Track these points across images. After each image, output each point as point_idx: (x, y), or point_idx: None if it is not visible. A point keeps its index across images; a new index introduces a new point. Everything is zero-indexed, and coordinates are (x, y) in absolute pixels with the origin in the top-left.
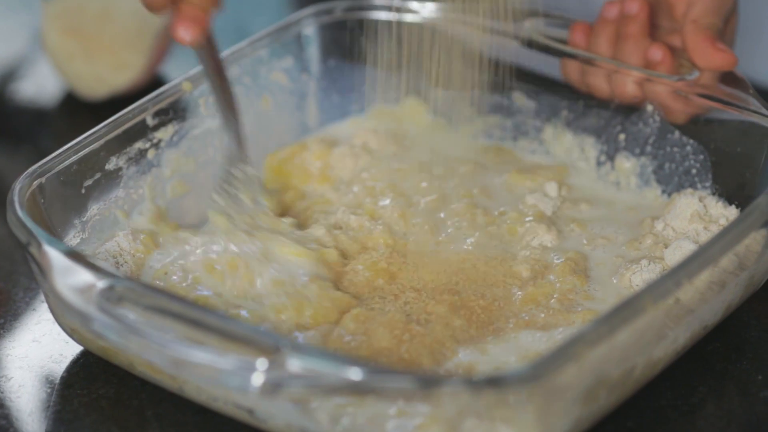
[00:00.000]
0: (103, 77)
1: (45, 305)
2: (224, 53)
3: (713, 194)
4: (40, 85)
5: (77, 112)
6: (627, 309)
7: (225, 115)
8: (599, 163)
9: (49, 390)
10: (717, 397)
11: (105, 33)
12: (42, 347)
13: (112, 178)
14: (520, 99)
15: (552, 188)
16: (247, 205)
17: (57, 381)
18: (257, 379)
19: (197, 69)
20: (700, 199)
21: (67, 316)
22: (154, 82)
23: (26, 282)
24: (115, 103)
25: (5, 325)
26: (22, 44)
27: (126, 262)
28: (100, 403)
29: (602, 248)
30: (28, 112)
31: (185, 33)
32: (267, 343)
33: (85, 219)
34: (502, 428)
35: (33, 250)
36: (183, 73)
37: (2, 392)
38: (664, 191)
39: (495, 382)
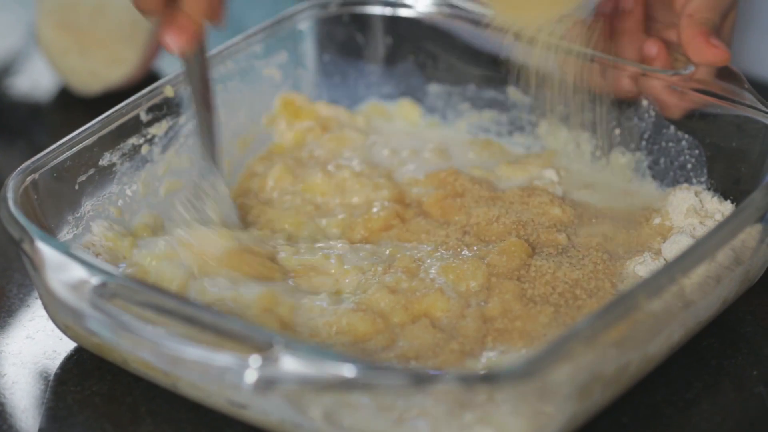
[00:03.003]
0: (97, 72)
1: (39, 302)
2: (219, 48)
3: (708, 189)
4: (34, 81)
5: (72, 107)
6: (621, 305)
7: (202, 129)
8: (594, 158)
9: (42, 386)
10: (712, 392)
11: (99, 28)
12: (36, 344)
13: (106, 173)
14: (515, 94)
15: (551, 174)
16: (213, 222)
17: (51, 377)
18: (250, 376)
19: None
20: (696, 194)
21: (60, 313)
22: (148, 77)
23: (20, 278)
24: (110, 98)
25: None
26: (17, 39)
27: (100, 254)
28: (93, 399)
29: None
30: (23, 107)
31: (173, 42)
32: (260, 339)
33: (78, 215)
34: (496, 424)
35: (26, 246)
36: (178, 68)
37: None
38: (659, 186)
39: (488, 378)
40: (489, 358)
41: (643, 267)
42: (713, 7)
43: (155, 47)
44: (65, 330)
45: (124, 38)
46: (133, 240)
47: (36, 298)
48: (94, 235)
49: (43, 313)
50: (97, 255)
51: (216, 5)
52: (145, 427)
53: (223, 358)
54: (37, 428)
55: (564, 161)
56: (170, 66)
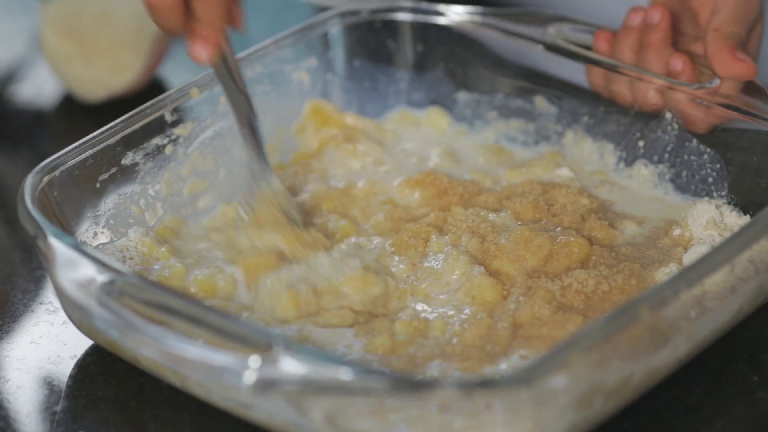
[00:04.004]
0: (101, 79)
1: (43, 307)
2: (248, 51)
3: (728, 203)
4: (38, 88)
5: (76, 114)
6: (622, 316)
7: (244, 131)
8: (618, 170)
9: (47, 391)
10: (713, 398)
11: (103, 35)
12: (40, 349)
13: (129, 173)
14: (542, 103)
15: (566, 171)
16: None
17: (55, 382)
18: (250, 376)
19: (205, 73)
20: (717, 207)
21: (71, 310)
22: (152, 84)
23: (24, 284)
24: (114, 105)
25: (3, 327)
26: (21, 47)
27: (132, 257)
28: (98, 404)
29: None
30: (27, 114)
31: (200, 54)
32: (260, 340)
33: (99, 213)
34: (493, 431)
35: (40, 243)
36: (182, 74)
37: (0, 394)
38: (681, 200)
39: (486, 384)
40: (510, 365)
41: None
42: (739, 20)
43: (159, 54)
44: (80, 327)
45: (127, 45)
46: (170, 248)
47: (40, 303)
48: (131, 240)
49: (47, 318)
50: (130, 258)
51: (234, 10)
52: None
53: (223, 358)
54: None
55: (572, 162)
56: (174, 73)
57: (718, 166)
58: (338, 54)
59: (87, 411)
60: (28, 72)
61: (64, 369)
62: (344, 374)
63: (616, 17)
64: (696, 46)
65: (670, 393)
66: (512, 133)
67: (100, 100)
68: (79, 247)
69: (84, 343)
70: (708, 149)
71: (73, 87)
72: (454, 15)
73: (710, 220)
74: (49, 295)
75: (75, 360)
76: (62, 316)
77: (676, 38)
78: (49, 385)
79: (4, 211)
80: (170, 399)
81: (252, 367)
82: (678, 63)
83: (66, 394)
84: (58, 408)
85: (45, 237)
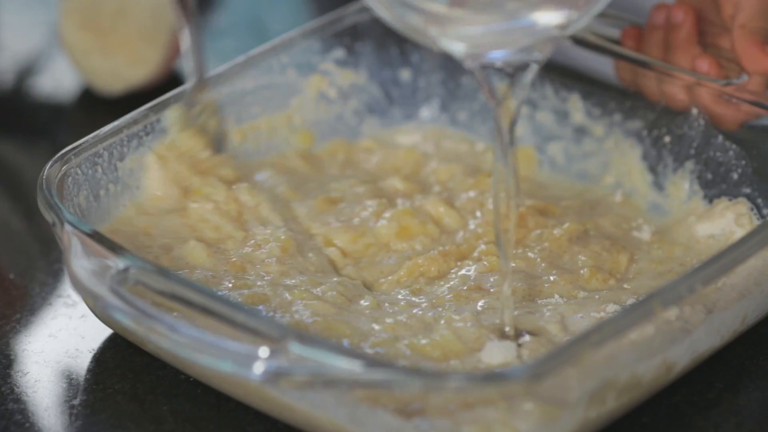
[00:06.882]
0: (119, 72)
1: (61, 300)
2: (274, 42)
3: (753, 201)
4: (57, 81)
5: (94, 107)
6: (635, 312)
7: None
8: (643, 161)
9: (65, 385)
10: (733, 393)
11: (121, 28)
12: (58, 342)
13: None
14: (573, 102)
15: None
16: None
17: (73, 376)
18: (259, 367)
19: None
20: (740, 204)
21: (86, 298)
22: (170, 77)
23: (43, 277)
24: (132, 99)
25: (22, 321)
26: (40, 40)
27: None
28: (115, 398)
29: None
30: (46, 107)
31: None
32: (271, 331)
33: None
34: (502, 427)
35: (57, 230)
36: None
37: (19, 387)
38: (705, 196)
39: (496, 378)
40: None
41: None
42: (763, 14)
43: (177, 47)
44: (99, 316)
45: (145, 39)
46: None
47: (58, 297)
48: None
49: (66, 311)
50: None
51: None
52: (167, 425)
53: (233, 348)
54: (59, 427)
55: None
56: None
57: (743, 162)
58: (367, 45)
59: (105, 405)
60: (47, 65)
61: (82, 362)
62: (354, 366)
63: (642, 9)
64: (722, 39)
65: (690, 388)
66: (540, 129)
67: (118, 93)
68: (96, 234)
69: (102, 336)
70: (733, 145)
71: (91, 80)
72: None
73: (734, 217)
74: (67, 288)
75: (93, 354)
76: (81, 309)
77: (703, 30)
78: (68, 378)
79: (23, 203)
80: (188, 393)
81: (262, 358)
82: (704, 65)
83: (84, 387)
84: (76, 401)
85: (62, 224)
